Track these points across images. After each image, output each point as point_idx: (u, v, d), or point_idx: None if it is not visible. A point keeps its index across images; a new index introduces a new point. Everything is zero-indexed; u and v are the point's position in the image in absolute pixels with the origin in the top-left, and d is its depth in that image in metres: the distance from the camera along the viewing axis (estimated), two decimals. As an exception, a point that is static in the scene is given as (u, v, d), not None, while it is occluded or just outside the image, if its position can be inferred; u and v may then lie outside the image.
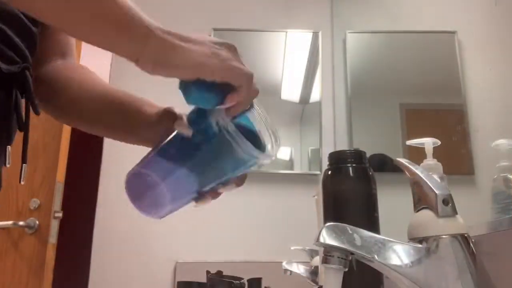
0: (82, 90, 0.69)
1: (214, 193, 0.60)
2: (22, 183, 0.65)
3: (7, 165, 0.62)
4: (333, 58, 1.98)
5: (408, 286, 0.50)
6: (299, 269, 1.21)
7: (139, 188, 0.55)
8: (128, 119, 0.65)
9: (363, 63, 1.82)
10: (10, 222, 1.62)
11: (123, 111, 0.66)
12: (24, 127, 0.63)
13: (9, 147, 0.62)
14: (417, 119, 1.44)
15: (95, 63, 1.76)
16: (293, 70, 1.98)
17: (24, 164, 0.65)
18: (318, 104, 1.92)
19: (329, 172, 0.84)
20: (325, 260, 0.49)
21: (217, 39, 0.56)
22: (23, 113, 0.63)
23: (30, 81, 0.63)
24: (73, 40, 0.79)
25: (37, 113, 0.64)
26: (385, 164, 1.41)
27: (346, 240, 0.48)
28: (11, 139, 0.62)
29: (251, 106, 0.58)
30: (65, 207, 1.69)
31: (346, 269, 0.48)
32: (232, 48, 0.55)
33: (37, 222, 1.64)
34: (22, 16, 0.62)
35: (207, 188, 0.58)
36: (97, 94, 0.68)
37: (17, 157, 0.64)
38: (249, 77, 0.55)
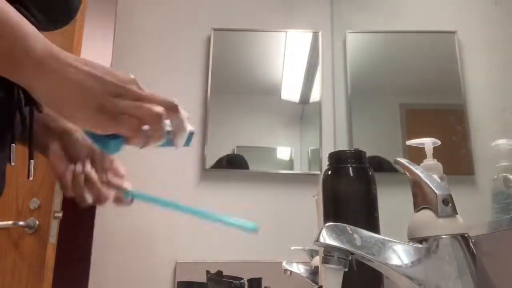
0: None
1: None
2: (31, 178, 0.66)
3: (12, 164, 0.62)
4: (333, 58, 1.98)
5: (408, 286, 0.50)
6: (299, 269, 1.21)
7: None
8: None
9: (363, 63, 1.82)
10: (10, 222, 1.61)
11: None
12: (28, 124, 0.64)
13: (13, 146, 0.62)
14: (417, 119, 1.44)
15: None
16: (293, 70, 1.98)
17: (31, 160, 0.66)
18: (318, 104, 1.92)
19: (329, 172, 0.84)
20: (325, 260, 0.49)
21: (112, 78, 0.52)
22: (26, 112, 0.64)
23: None
24: None
25: (40, 111, 0.65)
26: (382, 166, 1.41)
27: (346, 240, 0.48)
28: (15, 138, 0.63)
29: None
30: (65, 207, 1.69)
31: (346, 269, 0.48)
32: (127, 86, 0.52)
33: (37, 222, 1.64)
34: (24, 11, 0.62)
35: None
36: None
37: (19, 156, 0.65)
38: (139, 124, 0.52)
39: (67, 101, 0.49)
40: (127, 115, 0.50)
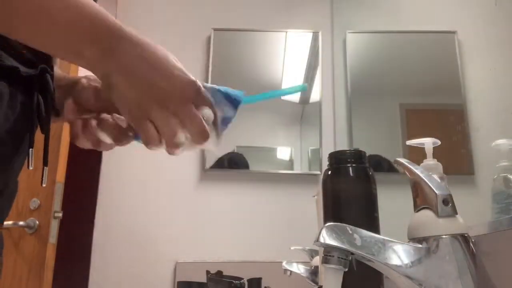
0: None
1: None
2: (44, 185, 0.66)
3: (31, 168, 0.62)
4: (333, 58, 1.98)
5: (408, 286, 0.50)
6: (299, 269, 1.21)
7: None
8: None
9: (363, 63, 1.82)
10: (10, 222, 1.61)
11: None
12: (45, 129, 0.63)
13: (32, 150, 0.62)
14: (417, 119, 1.45)
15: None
16: (293, 70, 1.98)
17: (45, 167, 0.65)
18: (318, 104, 1.92)
19: (329, 172, 0.84)
20: (325, 260, 0.49)
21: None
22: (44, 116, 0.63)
23: (51, 84, 0.62)
24: None
25: (58, 115, 0.64)
26: (380, 165, 1.41)
27: (346, 240, 0.48)
28: (33, 142, 0.62)
29: None
30: (65, 207, 1.69)
31: (346, 269, 0.48)
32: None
33: (37, 222, 1.64)
34: None
35: None
36: None
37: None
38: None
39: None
40: None
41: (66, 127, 1.72)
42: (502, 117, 0.94)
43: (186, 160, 1.82)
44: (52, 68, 0.64)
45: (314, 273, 1.18)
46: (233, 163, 1.84)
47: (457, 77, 1.19)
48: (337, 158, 0.84)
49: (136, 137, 0.62)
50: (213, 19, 1.99)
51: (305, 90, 0.69)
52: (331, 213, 0.81)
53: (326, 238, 0.48)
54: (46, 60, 0.63)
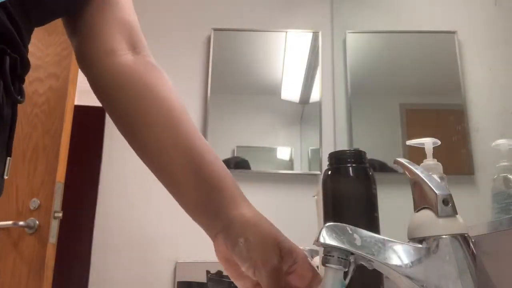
0: (152, 116, 0.61)
1: None
2: (6, 177, 0.56)
3: (6, 177, 0.55)
4: (333, 58, 1.98)
5: (408, 286, 0.50)
6: (299, 269, 1.20)
7: None
8: (206, 197, 0.61)
9: (363, 63, 1.82)
10: (10, 222, 1.61)
11: (202, 181, 0.60)
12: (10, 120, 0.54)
13: (9, 159, 0.55)
14: (417, 119, 1.45)
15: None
16: (293, 70, 1.98)
17: (9, 158, 0.56)
18: (318, 104, 1.92)
19: (329, 172, 0.84)
20: (325, 260, 0.49)
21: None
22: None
23: (7, 64, 0.51)
24: (138, 26, 0.68)
25: (17, 101, 0.53)
26: (374, 168, 1.42)
27: (346, 240, 0.48)
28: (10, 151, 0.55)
29: None
30: (65, 207, 1.69)
31: (346, 269, 0.48)
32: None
33: (37, 222, 1.64)
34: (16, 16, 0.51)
35: None
36: (173, 132, 0.61)
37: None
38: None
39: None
40: None
41: (66, 127, 1.72)
42: (502, 117, 0.94)
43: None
44: (17, 49, 0.53)
45: (314, 273, 1.18)
46: (237, 168, 1.84)
47: (457, 77, 1.19)
48: (337, 158, 0.84)
49: None
50: (213, 19, 1.99)
51: None
52: (331, 213, 0.81)
53: (326, 238, 0.48)
54: (8, 40, 0.51)
